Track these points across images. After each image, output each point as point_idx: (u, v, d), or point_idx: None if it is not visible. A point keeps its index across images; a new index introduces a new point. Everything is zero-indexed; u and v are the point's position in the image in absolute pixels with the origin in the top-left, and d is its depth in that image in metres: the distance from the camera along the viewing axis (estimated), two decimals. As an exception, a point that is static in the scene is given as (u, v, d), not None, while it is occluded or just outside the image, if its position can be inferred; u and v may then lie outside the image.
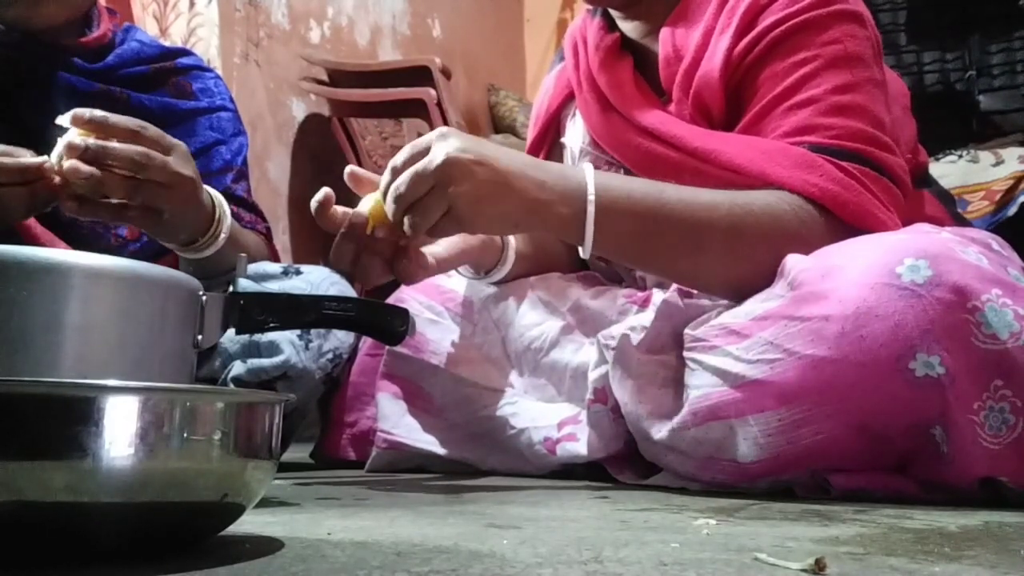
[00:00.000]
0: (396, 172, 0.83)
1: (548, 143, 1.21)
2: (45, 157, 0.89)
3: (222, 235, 1.02)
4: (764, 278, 0.86)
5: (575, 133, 1.15)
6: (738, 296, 0.89)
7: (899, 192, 0.92)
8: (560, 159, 1.17)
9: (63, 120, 0.89)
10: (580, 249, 0.88)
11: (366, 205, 0.88)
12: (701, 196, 0.88)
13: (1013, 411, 0.72)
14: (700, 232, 0.87)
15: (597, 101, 1.08)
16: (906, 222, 0.90)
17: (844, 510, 0.69)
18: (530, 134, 1.23)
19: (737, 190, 0.90)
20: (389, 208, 0.84)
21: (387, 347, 1.10)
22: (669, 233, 0.88)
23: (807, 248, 0.85)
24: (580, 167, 0.89)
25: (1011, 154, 2.35)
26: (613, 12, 1.10)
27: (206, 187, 1.01)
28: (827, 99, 0.92)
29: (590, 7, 1.13)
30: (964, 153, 2.41)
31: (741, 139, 0.95)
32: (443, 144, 0.82)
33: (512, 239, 1.08)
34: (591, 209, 0.85)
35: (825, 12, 0.94)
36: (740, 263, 0.88)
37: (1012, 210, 2.22)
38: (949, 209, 1.07)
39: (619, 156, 1.05)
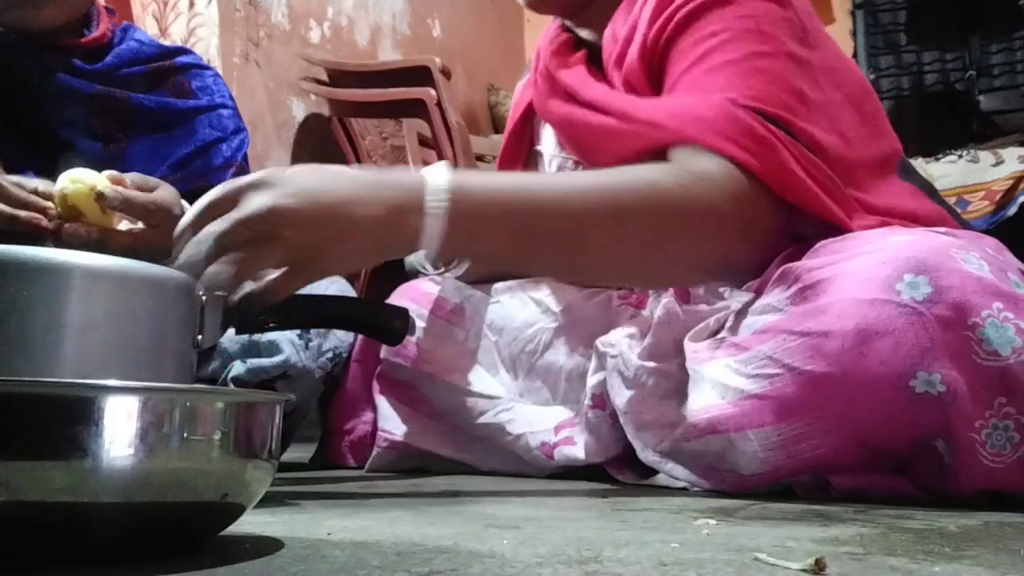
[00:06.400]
0: (196, 226, 0.70)
1: (523, 153, 1.20)
2: (49, 202, 0.90)
3: None
4: (666, 260, 0.84)
5: (548, 139, 1.16)
6: (646, 284, 0.88)
7: (821, 164, 0.88)
8: (536, 168, 1.17)
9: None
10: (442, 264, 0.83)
11: (69, 185, 0.87)
12: (576, 182, 0.85)
13: (1017, 428, 0.70)
14: (580, 220, 0.82)
15: (548, 86, 1.08)
16: (886, 210, 0.89)
17: (844, 510, 0.69)
18: (501, 146, 1.24)
19: (623, 167, 0.86)
20: (186, 258, 0.68)
21: (383, 357, 1.10)
22: (547, 227, 0.81)
23: (707, 218, 0.83)
24: (429, 170, 0.79)
25: (1011, 154, 2.35)
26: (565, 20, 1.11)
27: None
28: (744, 63, 0.89)
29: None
30: (964, 153, 2.41)
31: (664, 98, 0.94)
32: (260, 195, 0.70)
33: None
34: (432, 206, 0.75)
35: None
36: (630, 246, 0.84)
37: (1012, 210, 2.22)
38: (934, 198, 1.03)
39: (558, 130, 1.06)
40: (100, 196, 0.89)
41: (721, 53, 0.90)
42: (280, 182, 0.71)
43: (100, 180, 0.90)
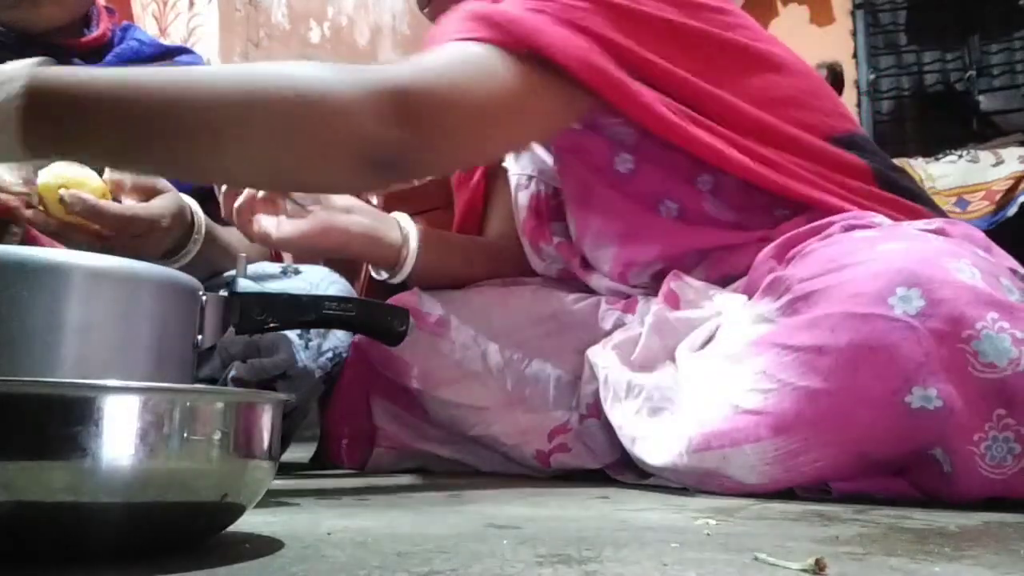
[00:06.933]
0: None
1: (483, 170, 1.23)
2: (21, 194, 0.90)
3: (194, 248, 1.02)
4: (297, 158, 0.77)
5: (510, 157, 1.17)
6: (288, 187, 0.89)
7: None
8: (499, 183, 1.21)
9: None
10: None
11: (43, 177, 0.88)
12: (206, 74, 0.79)
13: (1018, 440, 0.70)
14: (206, 114, 0.72)
15: None
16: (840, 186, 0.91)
17: (844, 510, 0.69)
18: None
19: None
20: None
21: (376, 367, 1.10)
22: (165, 120, 0.71)
23: (344, 112, 0.76)
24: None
25: (1011, 154, 2.36)
26: None
27: (186, 198, 1.00)
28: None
29: None
30: (964, 153, 2.42)
31: None
32: None
33: (412, 232, 1.06)
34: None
35: None
36: (256, 143, 0.75)
37: (1012, 210, 2.23)
38: (879, 173, 0.98)
39: None
40: (61, 200, 0.89)
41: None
42: None
43: (88, 179, 0.89)
